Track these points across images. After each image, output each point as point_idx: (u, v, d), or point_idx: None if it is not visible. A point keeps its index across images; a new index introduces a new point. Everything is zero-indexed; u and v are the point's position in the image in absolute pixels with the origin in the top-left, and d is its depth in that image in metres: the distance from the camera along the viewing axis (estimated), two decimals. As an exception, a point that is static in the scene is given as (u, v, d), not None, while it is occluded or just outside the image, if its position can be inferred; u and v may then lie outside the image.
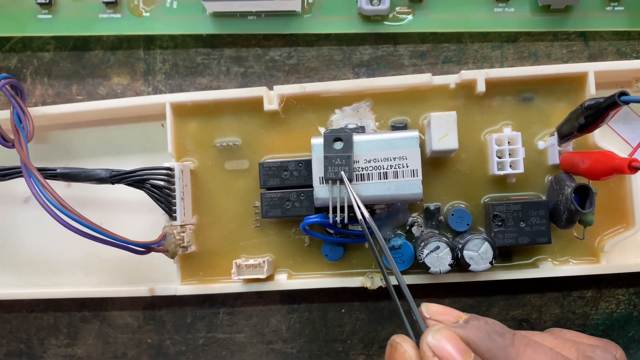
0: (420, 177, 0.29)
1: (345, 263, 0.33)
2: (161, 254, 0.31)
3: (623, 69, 0.32)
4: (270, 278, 0.32)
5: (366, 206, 0.29)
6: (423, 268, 0.30)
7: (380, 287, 0.32)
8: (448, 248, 0.29)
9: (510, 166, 0.31)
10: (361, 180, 0.29)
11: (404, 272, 0.32)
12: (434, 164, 0.32)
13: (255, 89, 0.33)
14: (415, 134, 0.29)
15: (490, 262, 0.29)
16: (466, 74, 0.32)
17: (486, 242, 0.29)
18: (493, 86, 0.32)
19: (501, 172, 0.31)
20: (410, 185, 0.29)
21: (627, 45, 0.35)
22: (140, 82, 0.36)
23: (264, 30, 0.35)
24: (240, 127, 0.33)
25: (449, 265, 0.29)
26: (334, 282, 0.32)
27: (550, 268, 0.32)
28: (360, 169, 0.29)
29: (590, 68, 0.32)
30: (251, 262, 0.31)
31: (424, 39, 0.36)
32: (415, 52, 0.36)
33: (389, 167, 0.29)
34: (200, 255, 0.33)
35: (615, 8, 0.35)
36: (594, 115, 0.27)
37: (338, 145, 0.29)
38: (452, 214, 0.32)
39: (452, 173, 0.32)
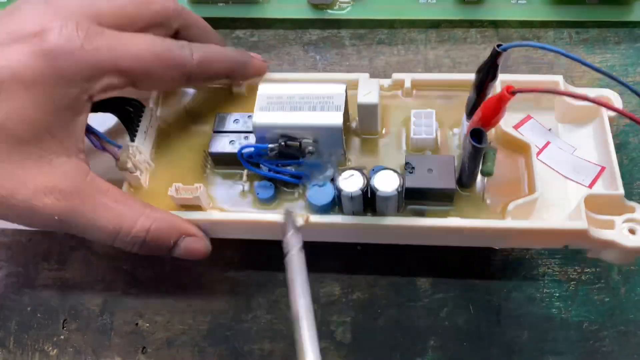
0: (342, 111, 0.33)
1: (275, 205, 0.35)
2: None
3: (532, 80, 0.37)
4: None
5: (297, 140, 0.33)
6: (337, 196, 0.32)
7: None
8: (362, 176, 0.32)
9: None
10: (294, 111, 0.34)
11: (323, 210, 0.34)
12: (364, 142, 0.37)
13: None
14: (343, 85, 0.35)
15: (397, 190, 0.32)
16: (396, 76, 0.37)
17: (395, 174, 0.32)
18: (418, 86, 0.38)
19: (417, 136, 0.35)
20: (333, 116, 0.33)
21: (530, 32, 0.42)
22: (129, 52, 0.44)
23: (232, 15, 0.43)
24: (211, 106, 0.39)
25: (359, 189, 0.32)
26: (258, 215, 0.34)
27: (458, 221, 0.33)
28: (295, 103, 0.34)
29: (503, 79, 0.35)
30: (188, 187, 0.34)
31: (362, 24, 0.43)
32: (354, 34, 0.43)
33: (317, 103, 0.34)
34: (148, 193, 0.36)
35: (519, 2, 0.42)
36: (486, 72, 0.31)
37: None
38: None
39: (378, 148, 0.36)
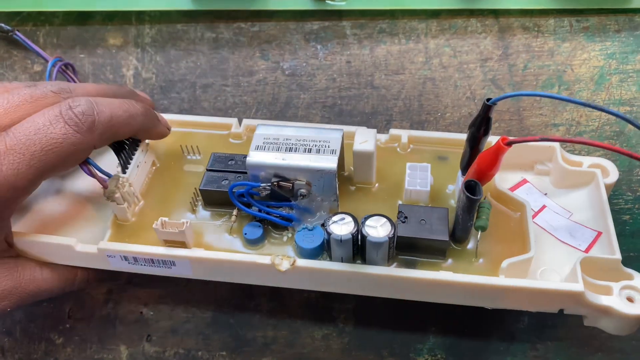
0: (337, 155, 0.33)
1: (263, 248, 0.34)
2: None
3: (529, 144, 0.36)
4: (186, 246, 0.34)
5: (290, 184, 0.33)
6: (326, 240, 0.31)
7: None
8: (353, 221, 0.31)
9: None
10: (290, 152, 0.33)
11: (311, 254, 0.32)
12: (357, 191, 0.36)
13: (227, 119, 0.39)
14: (340, 130, 0.34)
15: (388, 237, 0.30)
16: (394, 131, 0.37)
17: (387, 219, 0.31)
18: (414, 142, 0.38)
19: (411, 188, 0.34)
20: (327, 160, 0.33)
21: (530, 21, 0.42)
22: (131, 43, 0.44)
23: (233, 7, 0.44)
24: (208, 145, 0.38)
25: (349, 233, 0.30)
26: (245, 257, 0.33)
27: (450, 275, 0.31)
28: (291, 144, 0.34)
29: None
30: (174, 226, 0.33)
31: (363, 14, 0.43)
32: (355, 24, 0.43)
33: (313, 146, 0.33)
34: (133, 227, 0.35)
35: (520, -10, 0.42)
36: (478, 126, 0.30)
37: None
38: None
39: (372, 198, 0.35)
